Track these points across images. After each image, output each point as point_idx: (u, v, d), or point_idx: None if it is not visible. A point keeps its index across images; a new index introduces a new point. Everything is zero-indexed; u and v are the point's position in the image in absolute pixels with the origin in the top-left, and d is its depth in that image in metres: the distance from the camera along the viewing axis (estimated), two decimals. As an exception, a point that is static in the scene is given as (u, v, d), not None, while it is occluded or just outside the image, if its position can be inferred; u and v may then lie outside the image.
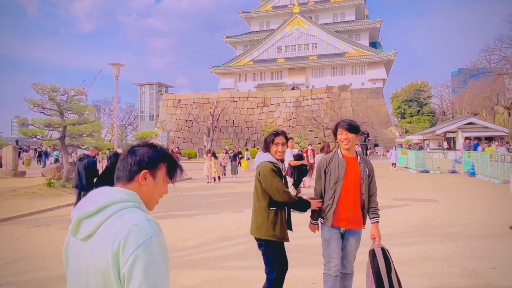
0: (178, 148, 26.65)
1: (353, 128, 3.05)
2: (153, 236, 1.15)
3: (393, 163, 23.73)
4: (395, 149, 25.25)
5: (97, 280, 1.16)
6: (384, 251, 2.97)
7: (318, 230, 3.21)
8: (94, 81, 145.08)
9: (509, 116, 53.59)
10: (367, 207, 3.14)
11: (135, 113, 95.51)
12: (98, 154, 10.28)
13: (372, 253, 2.97)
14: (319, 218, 3.23)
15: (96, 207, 1.22)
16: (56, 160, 18.21)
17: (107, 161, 9.10)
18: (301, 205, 3.13)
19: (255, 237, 3.18)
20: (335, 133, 3.17)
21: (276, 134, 3.14)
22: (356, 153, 3.18)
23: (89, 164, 8.00)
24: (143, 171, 1.33)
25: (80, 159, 8.18)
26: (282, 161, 3.26)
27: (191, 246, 6.10)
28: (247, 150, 29.73)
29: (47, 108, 12.95)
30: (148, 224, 1.18)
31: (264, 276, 3.19)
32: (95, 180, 8.23)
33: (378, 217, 3.17)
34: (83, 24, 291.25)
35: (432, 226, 7.22)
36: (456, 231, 6.82)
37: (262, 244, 3.09)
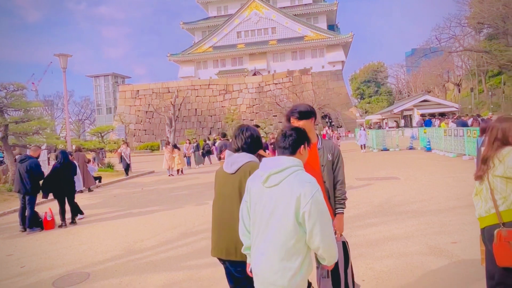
0: (124, 140, 25.21)
1: (304, 114, 2.75)
2: (318, 189, 1.89)
3: (362, 145, 22.02)
4: (364, 130, 23.21)
5: (280, 211, 1.89)
6: (344, 245, 2.76)
7: None
8: (44, 75, 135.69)
9: (459, 92, 56.86)
10: (333, 196, 2.83)
11: (91, 106, 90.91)
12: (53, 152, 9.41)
13: None
14: None
15: (280, 168, 1.94)
16: (1, 162, 16.68)
17: (55, 160, 8.32)
18: None
19: (229, 260, 2.43)
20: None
21: None
22: (318, 136, 2.86)
23: (32, 166, 7.15)
24: (302, 146, 2.09)
25: (21, 161, 7.31)
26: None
27: (150, 247, 5.72)
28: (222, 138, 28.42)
29: (-16, 106, 11.71)
30: (314, 181, 1.92)
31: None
32: (41, 182, 7.51)
33: (343, 208, 2.88)
34: (27, 13, 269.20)
35: (394, 204, 7.32)
36: (417, 207, 6.95)
37: (244, 265, 2.35)
